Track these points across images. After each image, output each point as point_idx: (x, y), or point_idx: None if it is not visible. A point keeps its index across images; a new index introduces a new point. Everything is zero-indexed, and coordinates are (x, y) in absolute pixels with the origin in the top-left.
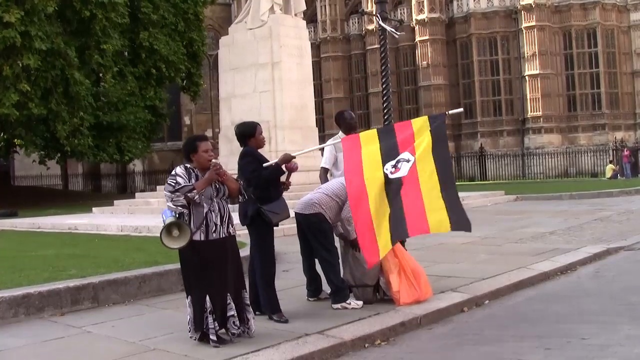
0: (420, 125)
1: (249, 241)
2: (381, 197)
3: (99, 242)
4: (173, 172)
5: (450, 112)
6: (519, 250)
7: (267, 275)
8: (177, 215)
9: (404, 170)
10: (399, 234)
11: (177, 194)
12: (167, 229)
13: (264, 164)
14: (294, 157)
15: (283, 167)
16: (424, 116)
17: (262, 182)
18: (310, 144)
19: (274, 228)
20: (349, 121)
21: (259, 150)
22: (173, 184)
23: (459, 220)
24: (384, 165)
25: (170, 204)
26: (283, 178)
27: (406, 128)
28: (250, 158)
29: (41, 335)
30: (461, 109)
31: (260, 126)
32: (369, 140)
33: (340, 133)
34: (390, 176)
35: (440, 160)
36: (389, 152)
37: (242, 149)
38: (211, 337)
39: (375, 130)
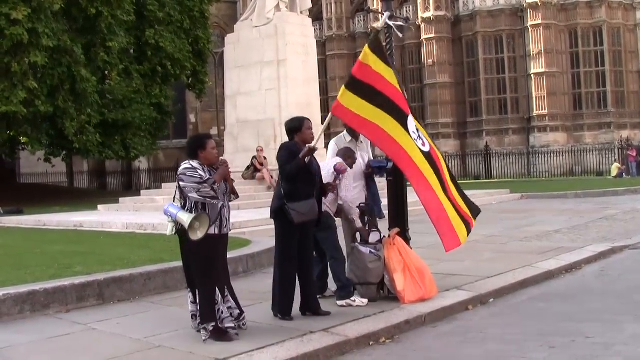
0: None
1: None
2: (434, 178)
3: (104, 240)
4: (189, 166)
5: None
6: (524, 248)
7: (283, 274)
8: (186, 208)
9: (427, 144)
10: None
11: (205, 185)
12: (190, 225)
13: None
14: (316, 149)
15: (332, 168)
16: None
17: (285, 176)
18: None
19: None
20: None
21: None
22: (198, 176)
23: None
24: (407, 131)
25: (194, 195)
26: (330, 179)
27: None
28: (284, 152)
29: (46, 332)
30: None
31: (310, 121)
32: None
33: (345, 133)
34: (423, 149)
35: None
36: (394, 110)
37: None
38: (227, 325)
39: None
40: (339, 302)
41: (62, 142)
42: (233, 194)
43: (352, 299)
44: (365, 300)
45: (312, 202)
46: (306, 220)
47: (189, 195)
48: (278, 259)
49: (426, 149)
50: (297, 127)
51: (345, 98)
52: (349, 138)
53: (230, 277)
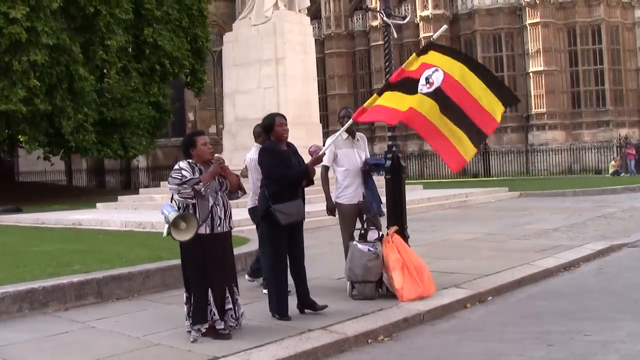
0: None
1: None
2: (438, 115)
3: (103, 238)
4: (177, 167)
5: (436, 34)
6: (522, 246)
7: (275, 275)
8: (180, 208)
9: (437, 80)
10: (479, 138)
11: (185, 186)
12: (174, 223)
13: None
14: (320, 158)
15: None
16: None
17: (284, 181)
18: (314, 140)
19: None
20: (339, 119)
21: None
22: (179, 177)
23: (506, 96)
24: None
25: (177, 197)
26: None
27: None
28: (268, 154)
29: (45, 330)
30: (445, 26)
31: (282, 117)
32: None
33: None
34: (427, 90)
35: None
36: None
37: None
38: (218, 326)
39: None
40: (265, 290)
41: (60, 140)
42: (240, 189)
43: None
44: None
45: (298, 202)
46: (293, 221)
47: (174, 197)
48: (268, 262)
49: (434, 87)
50: (270, 124)
51: (380, 99)
52: (345, 135)
53: None
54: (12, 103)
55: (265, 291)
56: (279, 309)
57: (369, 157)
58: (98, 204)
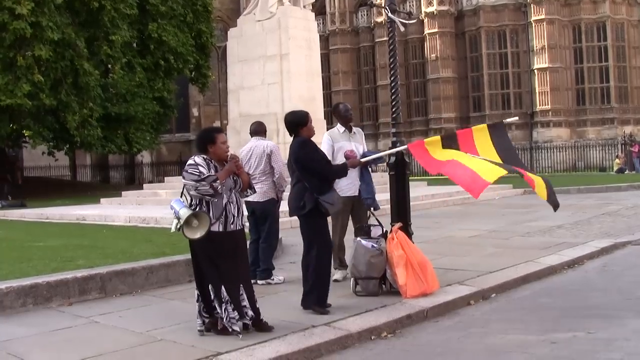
0: (480, 131)
1: (301, 232)
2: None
3: (106, 233)
4: (193, 162)
5: (507, 120)
6: (526, 243)
7: (323, 265)
8: (192, 205)
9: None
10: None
11: (203, 183)
12: (187, 220)
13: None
14: (362, 163)
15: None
16: (483, 124)
17: (330, 175)
18: (318, 136)
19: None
20: (344, 114)
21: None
22: (197, 173)
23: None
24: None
25: (193, 192)
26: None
27: (468, 136)
28: (310, 148)
29: (49, 325)
30: (516, 118)
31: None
32: (435, 146)
33: (339, 125)
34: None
35: (502, 147)
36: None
37: (292, 138)
38: (234, 327)
39: (439, 137)
40: (260, 282)
41: (65, 135)
42: (250, 188)
43: (272, 278)
44: (282, 278)
45: (335, 191)
46: (335, 211)
47: (190, 192)
48: (318, 254)
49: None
50: (304, 121)
51: (430, 141)
52: (342, 129)
53: None
54: (17, 98)
55: (260, 282)
56: (322, 300)
57: (366, 150)
58: (102, 200)
